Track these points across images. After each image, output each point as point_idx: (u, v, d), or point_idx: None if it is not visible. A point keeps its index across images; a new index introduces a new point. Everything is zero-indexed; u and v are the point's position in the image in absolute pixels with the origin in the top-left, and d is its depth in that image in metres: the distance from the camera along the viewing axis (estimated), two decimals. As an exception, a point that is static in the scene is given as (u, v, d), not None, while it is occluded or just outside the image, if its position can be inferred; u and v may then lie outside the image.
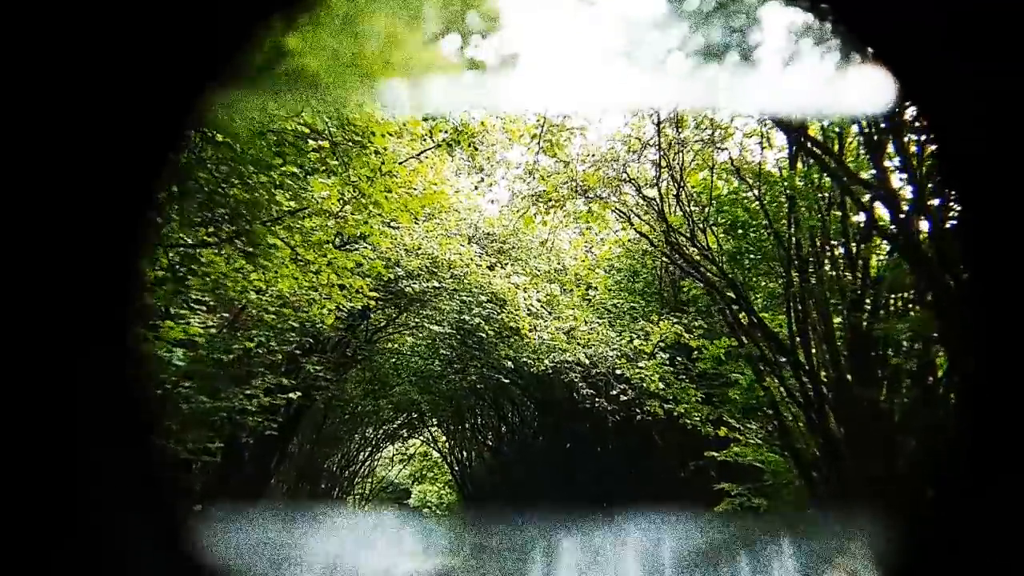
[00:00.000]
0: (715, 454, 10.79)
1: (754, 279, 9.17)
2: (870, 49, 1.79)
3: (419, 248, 9.20)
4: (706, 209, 8.75)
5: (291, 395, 7.40)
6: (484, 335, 10.12)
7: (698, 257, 8.76)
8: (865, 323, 7.88)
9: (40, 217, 1.39)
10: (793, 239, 8.16)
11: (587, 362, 11.56)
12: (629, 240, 11.72)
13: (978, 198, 1.57)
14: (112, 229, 1.50)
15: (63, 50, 1.38)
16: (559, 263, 12.28)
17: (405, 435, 24.52)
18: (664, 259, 10.35)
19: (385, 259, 8.63)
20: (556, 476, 16.70)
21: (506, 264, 10.95)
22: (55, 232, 1.41)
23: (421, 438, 25.67)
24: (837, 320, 8.47)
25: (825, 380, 8.92)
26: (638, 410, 11.49)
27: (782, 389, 9.32)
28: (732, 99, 7.97)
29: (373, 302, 7.75)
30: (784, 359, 9.00)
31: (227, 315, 7.11)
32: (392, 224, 8.15)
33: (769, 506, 10.62)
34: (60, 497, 1.40)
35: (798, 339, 8.69)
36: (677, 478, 13.66)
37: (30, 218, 1.38)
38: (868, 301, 8.22)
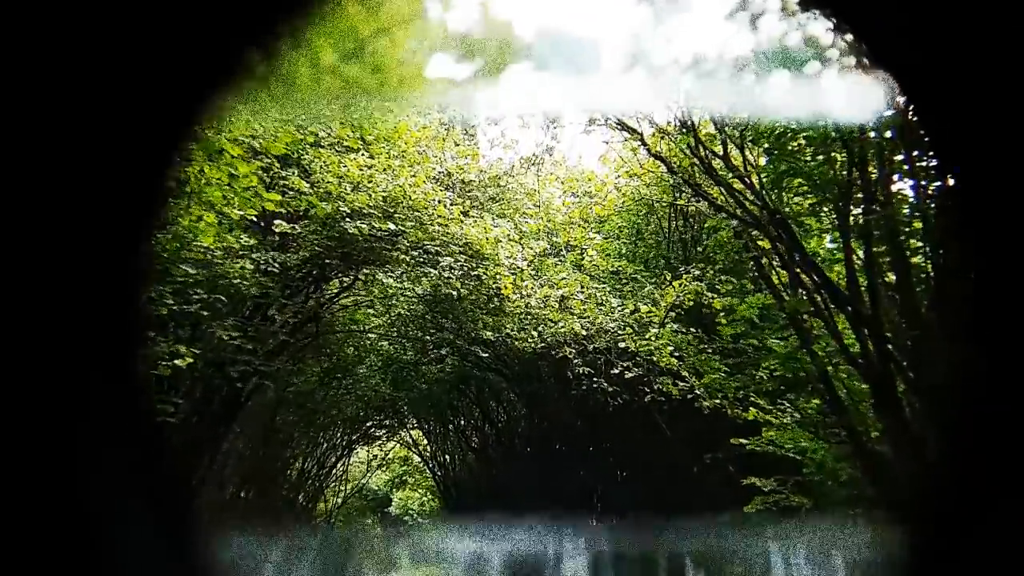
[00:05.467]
0: (744, 440, 8.79)
1: (796, 212, 7.18)
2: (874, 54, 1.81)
3: (370, 180, 7.11)
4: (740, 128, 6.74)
5: (177, 362, 5.36)
6: (456, 292, 8.06)
7: (733, 182, 6.75)
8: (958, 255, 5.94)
9: (46, 224, 1.39)
10: (859, 154, 6.18)
11: (583, 334, 9.53)
12: (637, 177, 9.71)
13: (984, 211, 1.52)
14: (117, 235, 1.49)
15: (61, 69, 1.35)
16: (548, 219, 10.28)
17: (382, 437, 22.68)
18: (684, 195, 8.33)
19: (325, 193, 6.58)
20: (546, 479, 14.83)
21: (484, 215, 8.90)
22: (59, 238, 1.40)
23: (399, 441, 23.87)
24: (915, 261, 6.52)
25: (893, 339, 6.98)
26: (646, 389, 9.47)
27: (836, 355, 7.34)
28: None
29: (286, 224, 5.73)
30: (842, 311, 7.00)
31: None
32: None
33: (813, 505, 8.65)
34: (69, 511, 1.37)
35: (862, 287, 6.71)
36: (689, 475, 11.85)
37: (36, 226, 1.38)
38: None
